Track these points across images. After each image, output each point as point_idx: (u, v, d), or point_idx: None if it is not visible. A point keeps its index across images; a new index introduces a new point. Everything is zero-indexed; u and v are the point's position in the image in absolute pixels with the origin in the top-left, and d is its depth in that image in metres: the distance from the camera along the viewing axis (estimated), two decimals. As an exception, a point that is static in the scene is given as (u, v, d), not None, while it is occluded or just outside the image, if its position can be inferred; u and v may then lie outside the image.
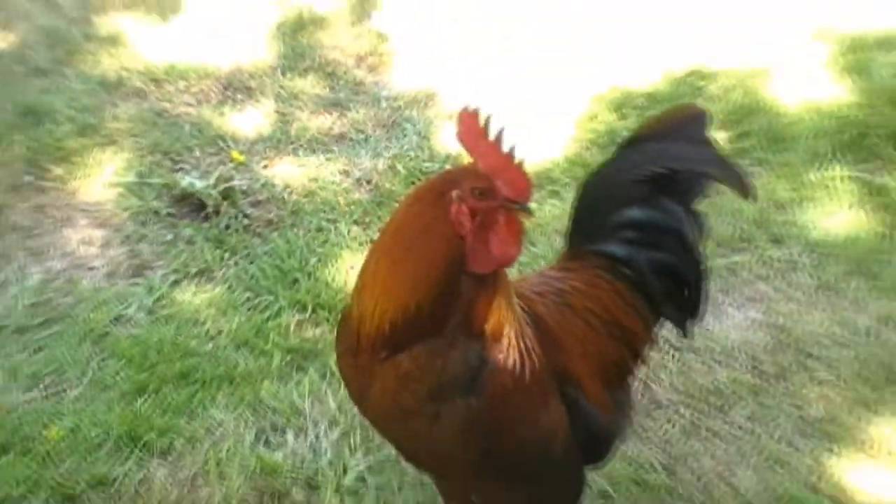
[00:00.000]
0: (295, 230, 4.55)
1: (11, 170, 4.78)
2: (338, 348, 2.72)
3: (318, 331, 4.13)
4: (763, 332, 4.19)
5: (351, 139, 5.07)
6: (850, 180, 4.82)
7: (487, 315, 2.54)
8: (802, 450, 3.77)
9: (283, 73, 5.45)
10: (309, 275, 4.33)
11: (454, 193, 2.48)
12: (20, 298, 4.21)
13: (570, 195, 4.76)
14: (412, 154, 4.93)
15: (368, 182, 4.82)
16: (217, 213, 4.57)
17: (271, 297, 4.24)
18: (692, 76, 5.46)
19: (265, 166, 4.90)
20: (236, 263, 4.40)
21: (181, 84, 5.32)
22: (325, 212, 4.65)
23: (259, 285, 4.29)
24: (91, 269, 4.39)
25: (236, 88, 5.34)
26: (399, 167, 4.84)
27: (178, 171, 4.80)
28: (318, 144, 5.02)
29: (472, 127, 2.52)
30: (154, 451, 3.68)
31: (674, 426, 3.81)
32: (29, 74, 5.33)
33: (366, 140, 5.06)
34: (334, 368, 3.96)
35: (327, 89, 5.36)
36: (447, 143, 5.00)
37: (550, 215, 4.67)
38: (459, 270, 2.49)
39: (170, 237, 4.51)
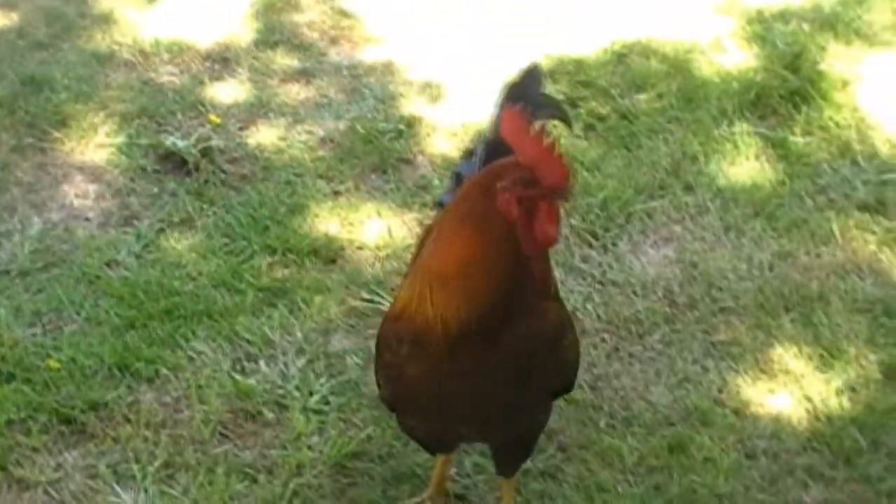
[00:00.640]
0: (266, 183, 4.51)
1: (15, 132, 4.72)
2: (404, 363, 2.64)
3: (287, 271, 4.11)
4: (676, 268, 4.19)
5: (316, 104, 5.02)
6: (753, 135, 4.81)
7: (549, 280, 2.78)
8: (710, 369, 3.79)
9: (257, 47, 5.38)
10: (279, 222, 4.30)
11: (499, 185, 2.44)
12: (23, 245, 4.16)
13: (508, 151, 4.74)
14: (370, 116, 4.89)
15: (331, 141, 4.78)
16: (197, 169, 4.52)
17: (245, 243, 4.21)
18: (617, 45, 5.41)
19: (240, 128, 4.85)
20: (214, 213, 4.35)
21: (165, 56, 5.25)
22: (292, 167, 4.61)
23: (235, 232, 4.25)
24: (86, 219, 4.34)
25: (215, 60, 5.27)
26: (358, 127, 4.81)
27: (162, 132, 4.75)
28: (286, 108, 4.97)
29: (515, 123, 2.50)
30: (142, 378, 3.66)
31: (598, 351, 3.83)
32: (30, 48, 5.24)
33: (329, 104, 5.01)
34: (302, 304, 3.95)
35: (296, 60, 5.30)
36: (401, 107, 4.97)
37: (492, 168, 4.64)
38: (520, 253, 2.50)
39: (156, 191, 4.46)
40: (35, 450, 3.42)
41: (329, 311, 3.94)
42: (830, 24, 5.48)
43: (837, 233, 4.34)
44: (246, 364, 3.74)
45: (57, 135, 4.71)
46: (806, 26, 5.43)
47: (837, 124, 4.88)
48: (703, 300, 4.05)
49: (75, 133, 4.72)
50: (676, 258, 4.25)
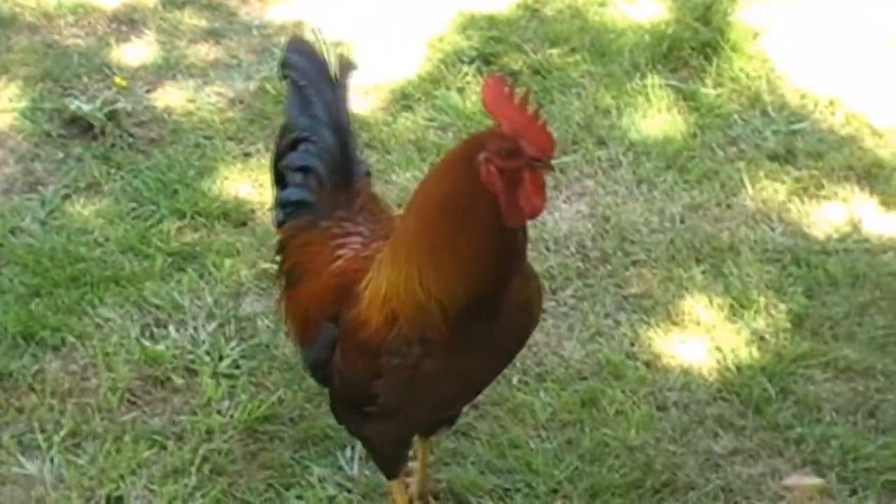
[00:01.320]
0: (175, 146, 4.45)
1: (-86, 99, 4.61)
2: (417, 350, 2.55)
3: (196, 235, 4.05)
4: (589, 223, 4.20)
5: (225, 64, 4.95)
6: (665, 88, 4.82)
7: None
8: (622, 323, 3.80)
9: (165, 7, 5.29)
10: (188, 186, 4.23)
11: (481, 156, 2.38)
12: (-76, 214, 4.07)
13: (420, 109, 4.71)
14: (278, 77, 4.80)
15: (241, 102, 4.72)
16: (103, 133, 4.44)
17: (154, 207, 4.14)
18: (530, 0, 5.38)
19: (148, 91, 4.77)
20: (122, 178, 4.28)
21: (70, 18, 5.15)
22: (202, 129, 4.54)
23: (143, 197, 4.19)
24: (-11, 186, 4.27)
25: (121, 21, 5.18)
26: (269, 88, 4.75)
27: (67, 96, 4.65)
28: (195, 70, 4.90)
29: (496, 92, 2.42)
30: (47, 346, 3.60)
31: (510, 306, 3.80)
32: (-72, 13, 5.12)
33: (239, 65, 4.94)
34: (212, 268, 3.90)
35: (204, 20, 5.22)
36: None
37: (403, 126, 4.62)
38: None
39: (61, 156, 4.37)
40: (-62, 422, 3.36)
41: (239, 274, 3.89)
42: (741, -25, 5.49)
43: (748, 183, 4.37)
44: (155, 330, 3.69)
45: (-43, 100, 4.61)
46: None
47: (748, 75, 4.90)
48: (616, 254, 4.06)
49: (-23, 98, 4.62)
50: (589, 213, 4.25)
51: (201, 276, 3.88)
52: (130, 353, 3.57)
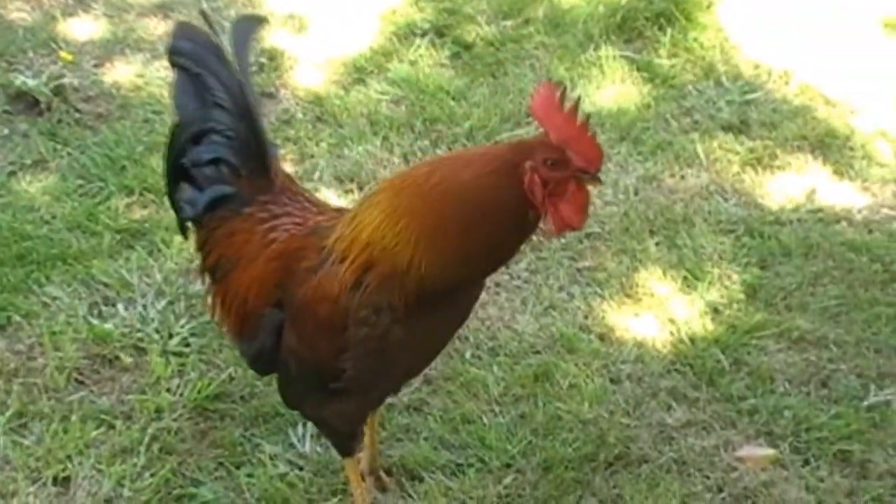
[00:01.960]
0: (123, 122, 4.39)
1: None
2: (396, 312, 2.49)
3: (145, 212, 4.00)
4: (542, 195, 4.16)
5: (175, 38, 4.86)
6: (619, 59, 4.81)
7: None
8: (576, 296, 3.79)
9: (113, -20, 5.21)
10: (136, 162, 4.18)
11: (528, 164, 2.33)
12: None
13: (373, 82, 4.67)
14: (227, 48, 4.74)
15: (191, 76, 4.64)
16: (49, 108, 4.37)
17: (102, 184, 4.09)
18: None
19: (95, 65, 4.70)
20: (69, 154, 4.22)
21: (16, -8, 5.07)
22: (150, 105, 4.48)
23: (90, 173, 4.13)
24: (-69, 164, 4.19)
25: (68, -6, 5.11)
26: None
27: (12, 71, 4.57)
28: (144, 44, 4.83)
29: (546, 99, 2.36)
30: (-8, 326, 3.54)
31: (462, 281, 3.78)
32: None
33: (188, 38, 4.86)
34: (161, 245, 3.85)
35: (154, -6, 5.15)
36: (264, 39, 4.83)
37: (356, 100, 4.57)
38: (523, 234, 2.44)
39: (6, 132, 4.30)
40: None
41: (189, 251, 3.82)
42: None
43: (702, 154, 4.36)
44: (103, 308, 3.64)
45: None
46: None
47: (702, 45, 4.89)
48: (570, 226, 4.03)
49: (-82, 74, 4.54)
50: (542, 185, 4.21)
51: (150, 254, 3.84)
52: (78, 331, 3.53)
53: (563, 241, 3.95)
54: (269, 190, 2.80)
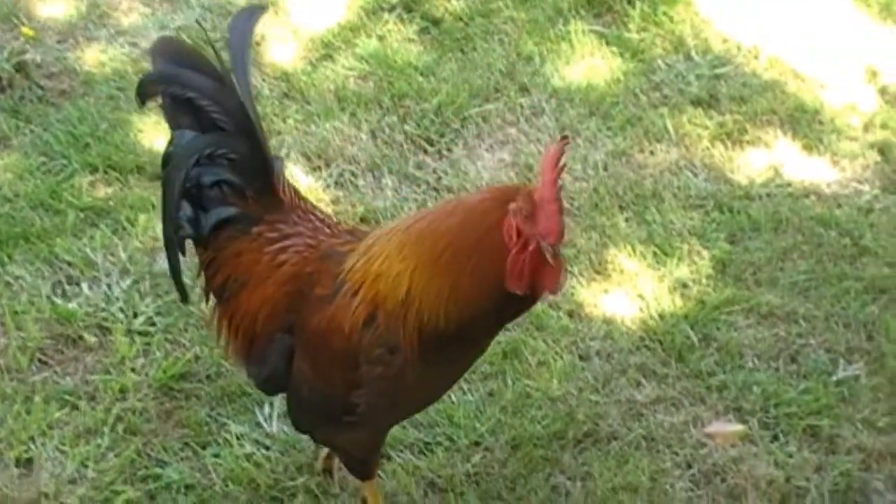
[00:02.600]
0: (87, 99, 4.33)
1: None
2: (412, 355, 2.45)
3: (109, 190, 3.96)
4: (511, 171, 4.16)
5: (139, 14, 4.82)
6: (588, 33, 4.76)
7: None
8: (545, 272, 3.74)
9: (77, -45, 5.14)
10: (100, 139, 4.12)
11: (512, 206, 2.29)
12: None
13: (340, 57, 4.63)
14: (196, 26, 4.69)
15: (156, 52, 4.58)
16: (11, 85, 4.31)
17: (65, 161, 4.03)
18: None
19: (59, 41, 4.64)
20: (31, 131, 4.16)
21: (-23, -34, 4.99)
22: (115, 81, 4.42)
23: (53, 150, 4.07)
24: None
25: (31, -30, 5.03)
26: (184, 38, 4.60)
27: (-29, 47, 4.51)
28: (107, 20, 4.77)
29: (552, 158, 2.29)
30: (-47, 307, 3.50)
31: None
32: None
33: (153, 14, 4.82)
34: (126, 223, 3.81)
35: (118, -32, 5.08)
36: (230, 15, 4.75)
37: (323, 76, 4.53)
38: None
39: (-33, 109, 4.25)
40: None
41: (155, 229, 3.79)
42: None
43: (671, 129, 4.33)
44: (67, 287, 3.60)
45: None
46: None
47: (671, 19, 4.86)
48: (539, 203, 4.00)
49: None
50: (511, 161, 4.20)
51: (115, 232, 3.79)
52: (41, 311, 3.49)
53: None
54: (278, 208, 2.69)
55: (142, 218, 3.82)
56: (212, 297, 2.79)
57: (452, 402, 3.30)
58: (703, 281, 3.73)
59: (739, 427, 3.30)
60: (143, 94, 2.76)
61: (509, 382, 3.38)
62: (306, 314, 2.56)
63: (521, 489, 3.10)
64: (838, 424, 3.32)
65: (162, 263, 3.65)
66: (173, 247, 2.72)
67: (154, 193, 3.91)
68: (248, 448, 3.14)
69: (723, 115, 4.41)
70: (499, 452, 3.18)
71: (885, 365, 3.49)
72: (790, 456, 3.22)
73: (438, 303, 2.37)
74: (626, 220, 3.96)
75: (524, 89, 4.52)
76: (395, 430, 3.18)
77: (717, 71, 4.63)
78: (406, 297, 2.39)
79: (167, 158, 2.74)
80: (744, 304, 3.66)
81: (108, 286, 3.60)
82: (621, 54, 4.70)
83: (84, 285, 3.60)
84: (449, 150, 4.22)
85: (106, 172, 4.01)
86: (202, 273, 2.78)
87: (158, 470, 3.08)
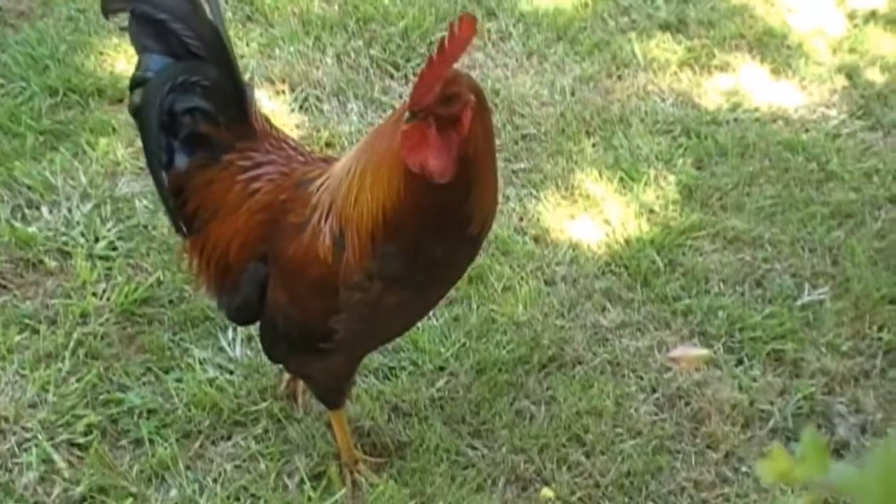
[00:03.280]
0: (45, 20, 4.24)
1: None
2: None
3: (70, 113, 3.89)
4: (477, 96, 4.08)
5: (100, -68, 4.69)
6: (556, -43, 4.69)
7: None
8: (511, 198, 3.73)
9: None
10: (60, 61, 4.04)
11: None
12: None
13: (305, -21, 4.54)
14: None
15: (116, -28, 4.48)
16: (-34, 6, 4.22)
17: (24, 84, 3.95)
18: None
19: (16, -39, 4.52)
20: (-11, 53, 4.07)
21: None
22: (74, 2, 4.34)
23: (11, 73, 3.99)
24: None
25: None
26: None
27: (-72, -32, 4.39)
28: (67, -61, 4.64)
29: (463, 33, 2.24)
30: None
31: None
32: None
33: (114, -67, 4.69)
34: (86, 147, 3.74)
35: None
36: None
37: (287, -2, 4.45)
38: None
39: (-78, 31, 4.14)
40: None
41: (115, 153, 3.74)
42: None
43: (639, 54, 4.29)
44: (27, 211, 3.53)
45: None
46: None
47: (641, -57, 4.79)
48: (505, 128, 3.97)
49: None
50: (478, 86, 4.13)
51: (75, 156, 3.72)
52: (0, 235, 3.42)
53: (498, 142, 3.86)
54: (251, 136, 2.63)
55: (102, 141, 3.76)
56: (182, 226, 2.71)
57: (417, 328, 3.26)
58: (670, 206, 3.71)
59: (704, 351, 3.29)
60: (109, 6, 2.67)
61: (474, 307, 3.35)
62: (281, 243, 2.52)
63: (485, 413, 3.08)
64: (802, 348, 3.31)
65: (123, 188, 3.61)
66: (160, 179, 2.64)
67: (115, 117, 3.85)
68: (211, 373, 3.10)
69: (691, 39, 4.37)
70: (463, 377, 3.16)
71: (849, 289, 3.48)
72: (754, 380, 3.21)
73: (377, 207, 2.33)
74: (593, 145, 3.92)
75: (491, 13, 4.46)
76: (360, 355, 3.16)
77: (687, -6, 4.58)
78: (357, 208, 2.36)
79: (136, 82, 2.65)
80: (710, 229, 3.64)
81: (69, 210, 3.54)
82: (589, -22, 4.64)
83: (44, 209, 3.54)
84: (415, 74, 4.15)
85: (66, 95, 3.93)
86: (171, 201, 2.69)
87: (120, 395, 3.04)
